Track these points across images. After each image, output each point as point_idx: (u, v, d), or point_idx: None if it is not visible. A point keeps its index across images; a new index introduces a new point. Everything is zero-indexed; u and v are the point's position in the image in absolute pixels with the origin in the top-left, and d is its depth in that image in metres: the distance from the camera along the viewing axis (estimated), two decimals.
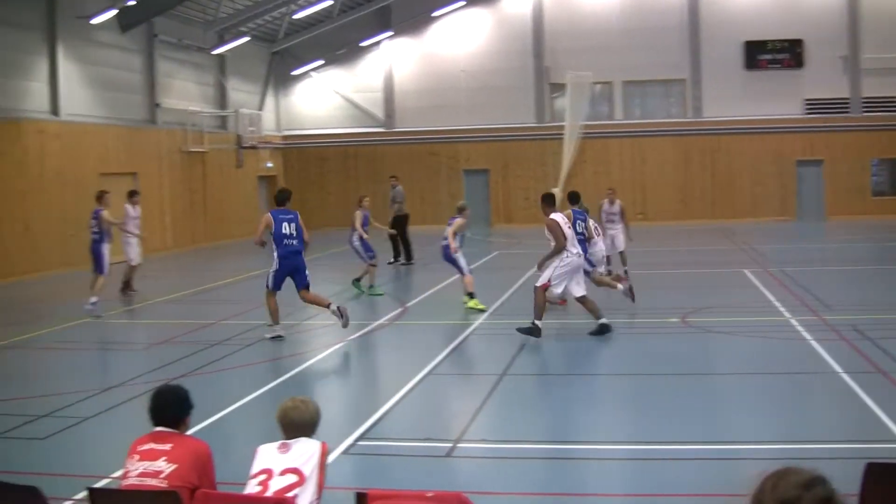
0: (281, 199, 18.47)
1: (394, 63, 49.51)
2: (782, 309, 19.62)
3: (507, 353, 16.04)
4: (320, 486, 6.49)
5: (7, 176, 29.11)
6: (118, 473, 6.85)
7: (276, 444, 6.66)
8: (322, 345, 17.55)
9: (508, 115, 47.64)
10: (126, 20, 32.98)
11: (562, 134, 46.31)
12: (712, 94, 46.13)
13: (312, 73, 50.41)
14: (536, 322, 17.07)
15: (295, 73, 50.28)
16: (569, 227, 17.48)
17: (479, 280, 25.29)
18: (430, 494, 5.90)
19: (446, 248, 21.30)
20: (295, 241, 17.86)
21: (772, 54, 45.60)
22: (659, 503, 9.03)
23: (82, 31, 33.17)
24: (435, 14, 48.30)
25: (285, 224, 17.86)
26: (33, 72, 31.41)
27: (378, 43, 49.30)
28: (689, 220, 45.61)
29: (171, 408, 6.97)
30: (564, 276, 17.31)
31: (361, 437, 11.11)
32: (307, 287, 18.02)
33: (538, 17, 47.43)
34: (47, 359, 17.42)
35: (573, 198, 21.66)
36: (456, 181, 48.13)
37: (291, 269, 17.90)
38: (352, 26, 48.05)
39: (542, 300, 17.30)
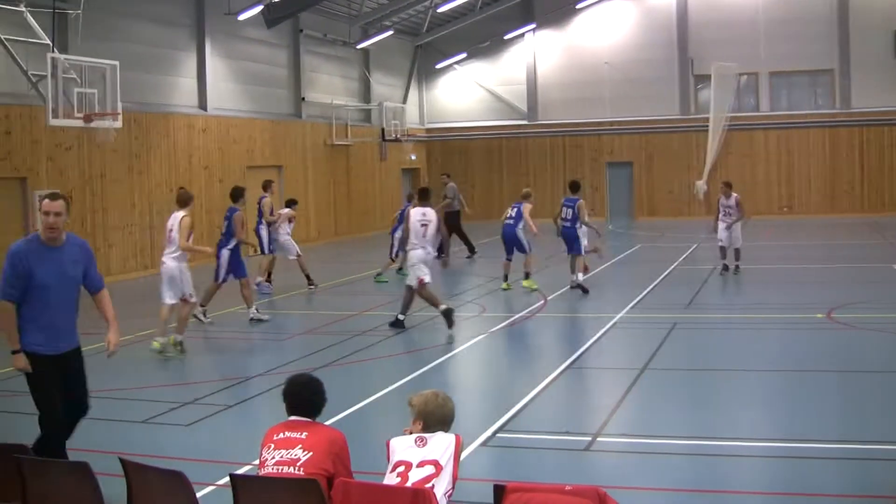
0: (233, 195, 20.54)
1: (537, 55, 49.40)
2: None
3: (648, 347, 15.92)
4: (454, 477, 6.59)
5: (156, 169, 29.84)
6: (257, 462, 7.00)
7: (413, 437, 6.75)
8: (463, 337, 17.61)
9: (652, 107, 47.17)
10: (272, 16, 33.49)
11: (706, 126, 45.67)
12: (861, 84, 44.92)
13: (456, 66, 50.59)
14: (400, 316, 18.41)
15: (438, 66, 50.52)
16: (422, 225, 18.13)
17: (621, 273, 25.17)
18: (568, 488, 5.90)
19: (512, 226, 23.70)
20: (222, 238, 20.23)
21: None
22: (800, 502, 8.89)
23: (229, 27, 33.83)
24: (579, 6, 48.06)
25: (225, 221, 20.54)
26: (182, 67, 32.15)
27: (521, 35, 49.26)
28: (837, 213, 44.57)
29: (305, 397, 7.11)
30: (422, 265, 18.05)
31: (500, 430, 11.14)
32: (214, 280, 20.07)
33: (682, 8, 46.82)
34: (192, 348, 17.79)
35: (574, 186, 24.27)
36: (599, 174, 47.83)
37: None
38: (495, 19, 48.10)
39: (428, 294, 18.08)
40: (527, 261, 23.50)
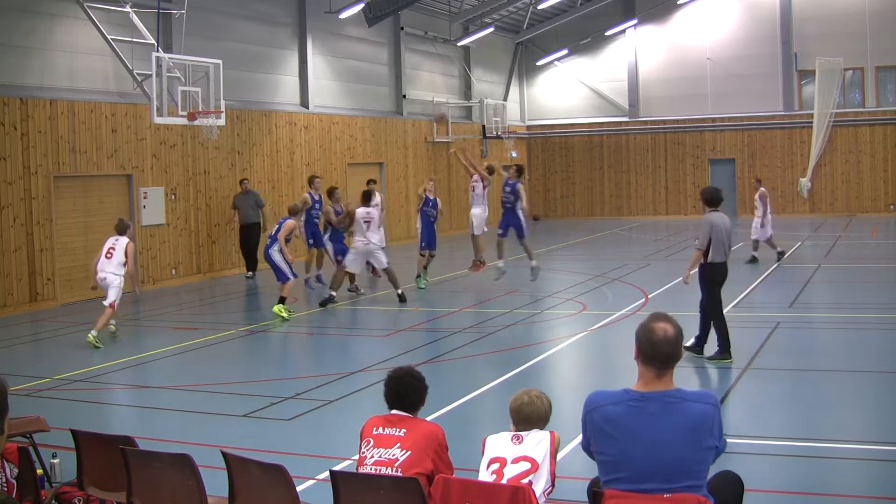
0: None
1: (638, 51, 49.01)
2: None
3: (750, 347, 15.67)
4: (553, 475, 6.53)
5: (258, 166, 30.16)
6: (357, 457, 7.03)
7: (509, 434, 6.73)
8: (563, 335, 17.55)
9: (755, 103, 46.50)
10: (373, 14, 33.64)
11: (811, 122, 44.89)
12: None
13: (556, 63, 50.43)
14: (332, 292, 21.53)
15: (539, 63, 50.41)
16: (365, 222, 21.45)
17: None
18: (667, 496, 5.80)
19: (267, 247, 20.68)
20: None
21: None
22: None
23: (331, 25, 34.12)
24: (680, 1, 47.60)
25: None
26: (284, 65, 32.47)
27: (622, 31, 48.92)
28: None
29: (403, 391, 7.08)
30: (356, 258, 21.76)
31: None
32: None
33: (786, 2, 46.04)
34: (293, 343, 17.96)
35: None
36: (701, 171, 47.38)
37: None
38: (596, 15, 47.86)
39: (342, 276, 21.88)
40: (284, 286, 20.36)
